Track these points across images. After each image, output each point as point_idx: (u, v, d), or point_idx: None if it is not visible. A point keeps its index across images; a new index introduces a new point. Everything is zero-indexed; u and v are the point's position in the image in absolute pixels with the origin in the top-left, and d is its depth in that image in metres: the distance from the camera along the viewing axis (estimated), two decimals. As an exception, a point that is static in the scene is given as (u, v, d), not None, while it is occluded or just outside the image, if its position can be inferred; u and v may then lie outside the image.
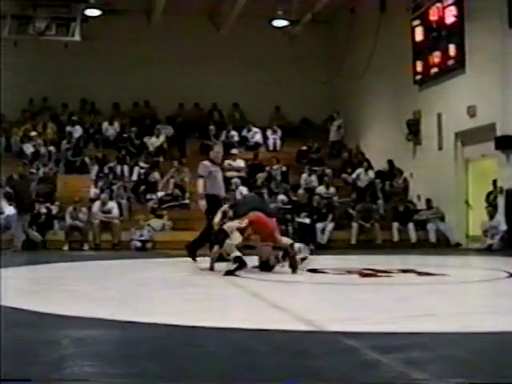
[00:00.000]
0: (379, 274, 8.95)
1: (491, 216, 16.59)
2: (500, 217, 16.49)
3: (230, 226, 9.08)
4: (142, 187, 19.77)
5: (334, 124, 24.50)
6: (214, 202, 11.26)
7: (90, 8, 21.40)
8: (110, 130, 23.13)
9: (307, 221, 18.33)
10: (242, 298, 6.76)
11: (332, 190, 20.05)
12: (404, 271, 9.50)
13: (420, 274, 9.08)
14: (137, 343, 4.22)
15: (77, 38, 19.84)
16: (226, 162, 21.04)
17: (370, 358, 3.60)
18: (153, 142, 22.65)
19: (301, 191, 19.69)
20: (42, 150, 21.02)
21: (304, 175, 20.91)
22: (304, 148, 23.28)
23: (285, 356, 3.78)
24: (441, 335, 4.37)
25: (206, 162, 11.73)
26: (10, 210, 17.23)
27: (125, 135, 22.88)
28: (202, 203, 11.09)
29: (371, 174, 21.29)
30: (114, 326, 4.80)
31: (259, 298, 6.64)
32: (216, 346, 4.04)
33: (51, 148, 21.40)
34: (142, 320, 4.94)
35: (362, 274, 8.95)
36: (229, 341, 4.22)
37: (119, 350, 4.11)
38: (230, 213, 9.79)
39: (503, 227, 16.24)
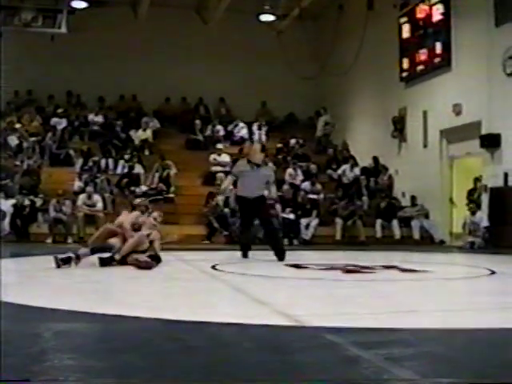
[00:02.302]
0: (362, 271, 8.97)
1: (473, 212, 16.67)
2: (482, 214, 16.57)
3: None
4: (125, 180, 19.71)
5: (320, 120, 24.52)
6: (242, 203, 11.25)
7: (77, 0, 21.34)
8: (95, 122, 23.04)
9: (292, 216, 18.36)
10: (225, 293, 6.75)
11: (318, 186, 20.05)
12: (387, 267, 9.54)
13: (403, 270, 9.11)
14: (118, 336, 4.20)
15: (63, 29, 19.80)
16: (212, 156, 21.07)
17: (350, 354, 3.60)
18: (139, 135, 22.61)
19: (286, 187, 19.69)
20: (27, 142, 20.89)
21: (289, 170, 20.89)
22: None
23: (266, 351, 3.78)
24: (422, 331, 4.38)
25: (241, 161, 11.62)
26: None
27: (110, 128, 22.79)
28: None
29: (356, 170, 21.32)
30: (96, 319, 4.78)
31: (242, 292, 6.64)
32: (197, 341, 4.03)
33: (35, 140, 21.26)
34: (124, 313, 4.93)
35: (346, 270, 8.96)
36: (210, 335, 4.22)
37: (100, 343, 4.10)
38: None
39: (484, 224, 16.33)
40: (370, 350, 3.63)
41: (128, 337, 4.19)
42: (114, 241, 9.27)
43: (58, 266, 8.59)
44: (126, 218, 9.82)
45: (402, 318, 4.98)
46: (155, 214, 10.34)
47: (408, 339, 4.07)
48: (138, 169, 20.30)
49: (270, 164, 10.73)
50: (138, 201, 11.27)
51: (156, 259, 9.26)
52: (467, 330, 4.45)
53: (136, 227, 9.56)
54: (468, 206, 17.23)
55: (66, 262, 8.71)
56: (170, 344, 3.95)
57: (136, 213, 10.11)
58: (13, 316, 4.93)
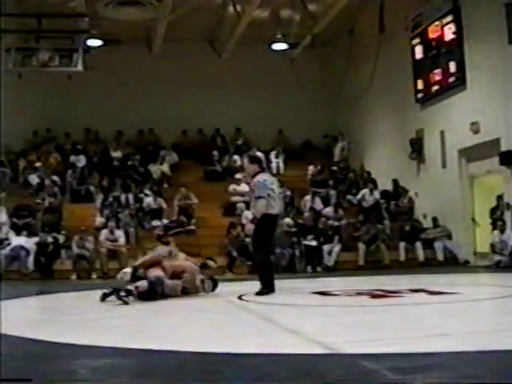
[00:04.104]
0: (390, 295, 8.91)
1: (502, 230, 16.55)
2: (510, 232, 16.44)
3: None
4: (140, 214, 19.83)
5: (337, 145, 24.57)
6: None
7: (92, 38, 21.59)
8: (115, 157, 23.26)
9: (314, 243, 18.33)
10: (254, 323, 6.73)
11: (340, 212, 20.02)
12: (414, 291, 9.45)
13: (431, 293, 9.03)
14: (153, 371, 4.19)
15: (79, 68, 19.96)
16: (231, 186, 21.09)
17: (390, 380, 3.58)
18: (156, 169, 22.76)
19: (307, 214, 19.69)
20: (47, 180, 21.05)
21: (306, 197, 20.89)
22: (316, 169, 23.21)
23: (304, 380, 3.76)
24: (458, 354, 4.34)
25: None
26: (17, 240, 17.40)
27: (129, 163, 22.94)
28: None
29: (376, 194, 21.29)
30: (129, 354, 4.79)
31: (271, 321, 6.62)
32: (233, 372, 4.02)
33: (56, 178, 21.43)
34: (156, 347, 4.93)
35: (373, 296, 8.91)
36: (245, 366, 4.20)
37: (136, 378, 4.10)
38: None
39: (512, 242, 16.22)
40: (408, 375, 3.61)
41: (163, 371, 4.18)
42: (158, 273, 9.23)
43: (120, 298, 8.50)
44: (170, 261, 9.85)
45: (436, 341, 4.94)
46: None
47: (445, 363, 4.04)
48: (158, 202, 20.38)
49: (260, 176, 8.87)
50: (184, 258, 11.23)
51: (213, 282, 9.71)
52: (504, 351, 4.39)
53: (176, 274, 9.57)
54: (495, 224, 17.06)
55: (128, 294, 8.62)
56: (206, 376, 3.95)
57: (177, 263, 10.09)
58: (47, 353, 4.94)
